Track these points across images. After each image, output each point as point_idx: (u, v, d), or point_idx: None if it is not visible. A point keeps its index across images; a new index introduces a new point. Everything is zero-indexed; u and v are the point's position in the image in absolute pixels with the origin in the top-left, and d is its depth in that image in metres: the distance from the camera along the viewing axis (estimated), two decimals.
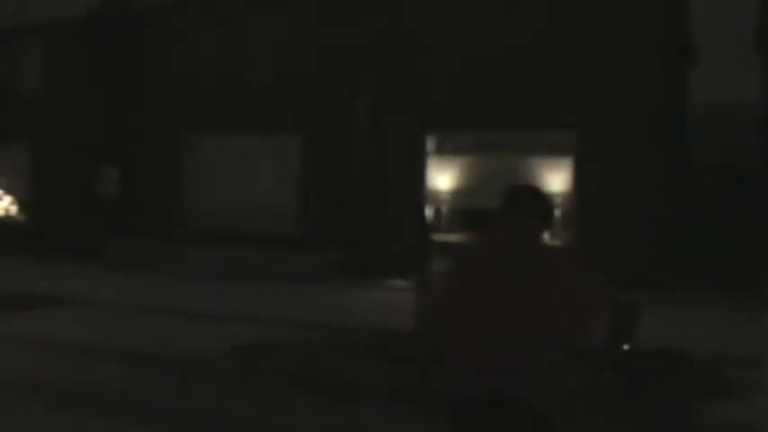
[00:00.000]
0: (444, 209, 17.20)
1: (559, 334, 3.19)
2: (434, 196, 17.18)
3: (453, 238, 16.68)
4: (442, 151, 17.18)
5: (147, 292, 14.02)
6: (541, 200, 3.46)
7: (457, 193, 17.00)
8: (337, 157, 17.58)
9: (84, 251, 19.60)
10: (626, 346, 8.29)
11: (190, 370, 8.57)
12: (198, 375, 8.39)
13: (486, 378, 3.13)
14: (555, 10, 15.75)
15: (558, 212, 15.92)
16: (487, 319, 3.18)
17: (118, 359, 8.94)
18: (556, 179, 16.13)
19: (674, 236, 16.51)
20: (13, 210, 22.53)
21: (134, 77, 20.20)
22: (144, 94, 20.02)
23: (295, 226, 17.88)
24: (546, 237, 3.75)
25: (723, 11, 20.24)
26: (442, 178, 17.12)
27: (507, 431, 3.10)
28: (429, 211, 17.13)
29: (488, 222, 3.52)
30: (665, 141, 15.63)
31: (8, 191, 22.56)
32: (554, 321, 3.16)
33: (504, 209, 3.41)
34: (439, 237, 17.06)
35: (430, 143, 17.19)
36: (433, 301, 3.43)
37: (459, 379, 3.22)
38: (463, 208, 16.89)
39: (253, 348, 9.33)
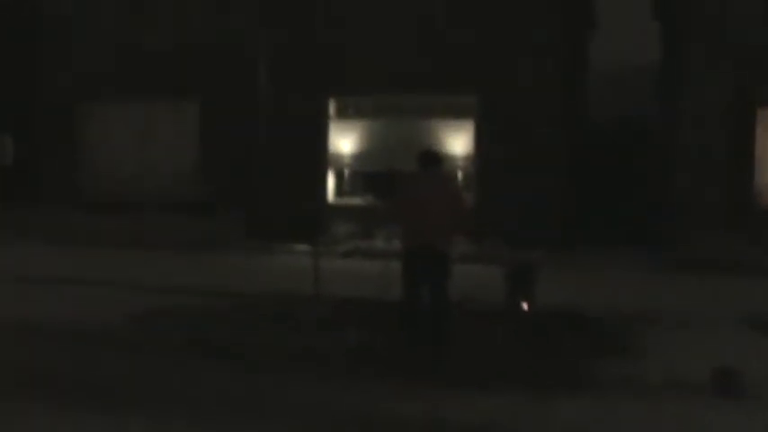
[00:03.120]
0: (347, 172, 17.14)
1: (450, 219, 7.75)
2: (336, 160, 17.10)
3: (356, 201, 16.69)
4: (343, 115, 17.10)
5: (42, 262, 13.56)
6: (439, 157, 8.17)
7: (359, 157, 16.96)
8: (237, 122, 17.29)
9: None
10: (524, 306, 8.45)
11: (87, 340, 8.34)
12: (96, 345, 8.15)
13: (419, 238, 7.65)
14: None
15: (459, 174, 16.11)
16: (421, 213, 7.60)
17: (10, 331, 8.61)
18: (457, 141, 16.27)
19: (576, 196, 16.88)
20: None
21: (30, 42, 19.42)
22: (41, 59, 19.27)
23: (196, 192, 17.57)
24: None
25: None
26: (344, 142, 17.04)
27: (428, 260, 7.62)
28: (331, 175, 17.06)
29: (409, 175, 8.29)
30: (565, 104, 15.90)
31: None
32: (449, 213, 7.73)
33: (422, 163, 7.89)
34: (341, 200, 17.10)
35: (331, 107, 17.07)
36: (395, 206, 8.13)
37: (408, 239, 7.73)
38: (366, 171, 16.87)
39: (152, 316, 9.16)
